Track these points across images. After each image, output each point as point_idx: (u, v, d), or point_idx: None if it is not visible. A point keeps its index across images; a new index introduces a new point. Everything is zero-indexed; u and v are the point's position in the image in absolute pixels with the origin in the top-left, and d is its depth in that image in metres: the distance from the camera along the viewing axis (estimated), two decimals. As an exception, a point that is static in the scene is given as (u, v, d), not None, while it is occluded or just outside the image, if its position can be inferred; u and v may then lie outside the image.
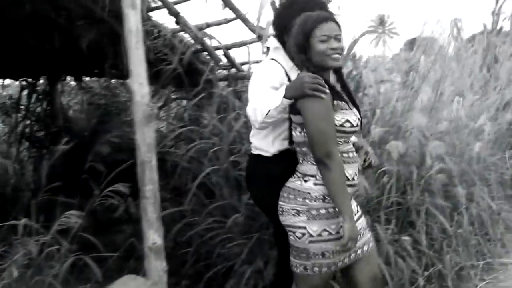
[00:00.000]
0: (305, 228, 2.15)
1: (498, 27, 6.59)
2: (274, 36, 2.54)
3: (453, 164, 3.72)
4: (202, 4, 3.86)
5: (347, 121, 2.14)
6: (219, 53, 4.37)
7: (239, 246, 3.24)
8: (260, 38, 3.81)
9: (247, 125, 3.53)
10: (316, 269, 2.17)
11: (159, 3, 4.02)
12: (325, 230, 2.14)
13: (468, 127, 4.16)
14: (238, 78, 4.23)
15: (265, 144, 2.44)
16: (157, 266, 2.52)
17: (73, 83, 7.99)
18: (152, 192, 2.46)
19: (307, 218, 2.15)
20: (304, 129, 2.13)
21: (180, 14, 4.00)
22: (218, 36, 4.25)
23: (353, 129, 2.17)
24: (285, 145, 2.40)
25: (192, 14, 4.24)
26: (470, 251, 3.58)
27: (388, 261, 3.06)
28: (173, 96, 5.17)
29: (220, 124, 3.72)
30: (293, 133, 2.24)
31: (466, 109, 4.38)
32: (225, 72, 4.45)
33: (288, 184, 2.25)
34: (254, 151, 2.52)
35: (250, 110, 2.28)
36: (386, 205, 3.30)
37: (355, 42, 3.66)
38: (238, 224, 3.27)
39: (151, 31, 3.97)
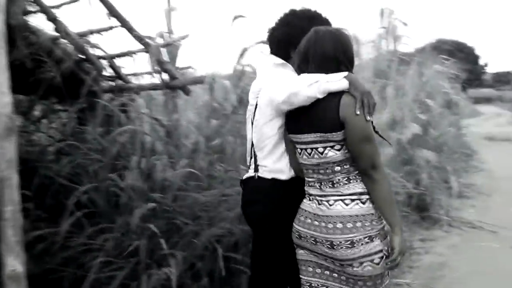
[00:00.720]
0: (381, 251, 2.02)
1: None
2: (271, 50, 2.43)
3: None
4: (87, 10, 3.65)
5: None
6: (105, 63, 4.15)
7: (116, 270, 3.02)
8: (146, 46, 3.66)
9: (133, 140, 3.35)
10: None
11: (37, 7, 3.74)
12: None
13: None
14: (125, 89, 4.03)
15: (281, 166, 2.30)
16: (17, 296, 2.26)
17: None
18: (12, 213, 2.20)
19: (381, 241, 2.03)
20: (345, 145, 2.02)
21: (58, 19, 3.72)
22: (104, 45, 4.05)
23: None
24: None
25: (77, 21, 4.00)
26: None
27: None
28: (55, 108, 4.84)
29: (103, 138, 3.52)
30: (330, 153, 2.03)
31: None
32: (112, 83, 4.23)
33: (344, 212, 2.03)
34: (268, 175, 2.31)
35: (278, 92, 2.10)
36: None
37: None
38: (118, 246, 3.06)
39: (27, 36, 3.67)
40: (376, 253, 2.01)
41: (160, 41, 3.96)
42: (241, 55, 3.75)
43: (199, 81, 4.06)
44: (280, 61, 2.35)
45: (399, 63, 6.93)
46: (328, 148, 2.04)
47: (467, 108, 13.00)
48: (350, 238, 2.01)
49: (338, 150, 2.03)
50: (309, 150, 2.10)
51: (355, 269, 2.02)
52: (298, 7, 2.39)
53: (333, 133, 2.01)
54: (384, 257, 2.02)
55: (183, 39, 4.12)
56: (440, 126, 7.27)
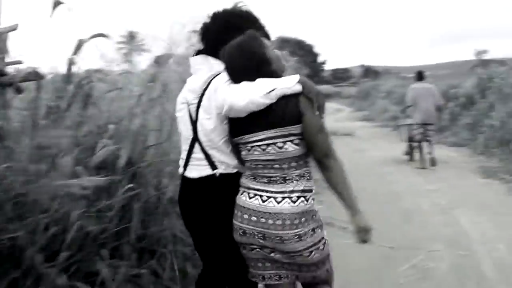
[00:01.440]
0: (323, 237, 2.36)
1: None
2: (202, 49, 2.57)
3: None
4: None
5: None
6: None
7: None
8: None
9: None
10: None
11: None
12: None
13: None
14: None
15: (230, 160, 2.45)
16: None
17: None
18: None
19: (321, 230, 2.34)
20: (299, 141, 2.24)
21: None
22: None
23: None
24: None
25: None
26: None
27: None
28: None
29: None
30: (290, 147, 2.24)
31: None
32: None
33: (292, 210, 2.25)
34: (230, 171, 2.45)
35: (238, 96, 2.25)
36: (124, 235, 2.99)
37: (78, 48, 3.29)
38: None
39: None
40: (320, 241, 2.32)
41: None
42: (77, 48, 3.39)
43: (32, 77, 3.60)
44: (219, 62, 2.45)
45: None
46: (288, 143, 2.23)
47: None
48: (298, 233, 2.25)
49: (297, 144, 2.24)
50: (263, 147, 2.26)
51: (306, 258, 2.30)
52: (228, 7, 2.57)
53: (294, 126, 2.22)
54: (326, 241, 2.37)
55: (12, 30, 3.63)
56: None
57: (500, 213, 6.23)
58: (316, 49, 64.46)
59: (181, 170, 2.57)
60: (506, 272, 4.23)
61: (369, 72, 58.13)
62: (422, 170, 9.54)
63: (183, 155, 2.56)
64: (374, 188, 7.89)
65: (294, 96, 2.23)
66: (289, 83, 2.24)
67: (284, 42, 30.43)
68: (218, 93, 2.38)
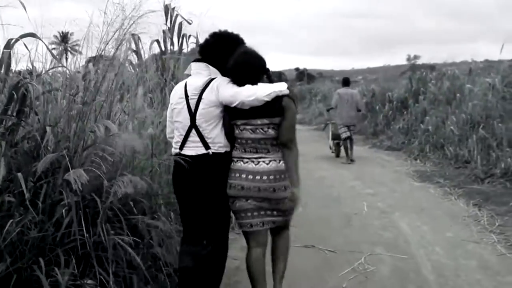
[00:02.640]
0: (288, 186, 3.36)
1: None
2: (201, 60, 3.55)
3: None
4: None
5: None
6: None
7: None
8: None
9: None
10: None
11: None
12: None
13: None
14: None
15: (227, 142, 3.43)
16: None
17: None
18: None
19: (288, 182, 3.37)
20: (277, 128, 3.33)
21: None
22: None
23: None
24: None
25: None
26: (160, 285, 3.48)
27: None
28: None
29: None
30: (271, 132, 3.33)
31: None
32: None
33: (276, 168, 3.33)
34: (222, 150, 3.41)
35: (245, 94, 3.27)
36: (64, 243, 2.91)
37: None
38: None
39: None
40: (286, 190, 3.36)
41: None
42: (6, 48, 3.30)
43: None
44: (215, 69, 3.49)
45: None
46: (270, 129, 3.33)
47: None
48: (284, 184, 3.34)
49: (275, 130, 3.34)
50: (253, 129, 3.34)
51: (285, 204, 3.38)
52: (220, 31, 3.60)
53: (277, 118, 3.32)
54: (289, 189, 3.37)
55: None
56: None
57: (436, 216, 6.53)
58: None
59: (176, 150, 3.48)
60: (445, 275, 4.43)
61: (304, 75, 58.97)
62: (361, 175, 9.84)
63: (179, 138, 3.47)
64: (314, 192, 8.07)
65: (282, 96, 3.30)
66: (281, 88, 3.33)
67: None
68: (222, 91, 3.34)
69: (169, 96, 4.92)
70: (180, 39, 7.15)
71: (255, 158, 3.34)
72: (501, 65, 11.97)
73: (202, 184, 3.37)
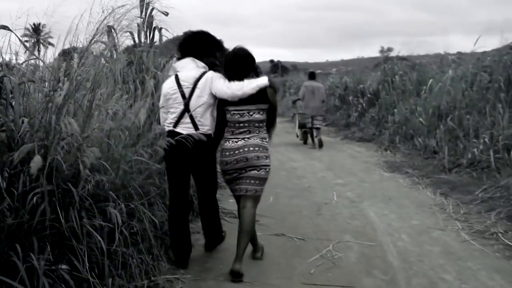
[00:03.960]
0: (268, 156, 4.39)
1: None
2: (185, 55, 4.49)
3: (109, 177, 3.68)
4: None
5: None
6: None
7: None
8: None
9: None
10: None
11: None
12: None
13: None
14: None
15: (213, 126, 4.38)
16: None
17: None
18: None
19: (269, 160, 4.40)
20: (265, 112, 4.34)
21: None
22: None
23: None
24: None
25: None
26: (133, 271, 3.58)
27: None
28: None
29: None
30: (256, 116, 4.30)
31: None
32: None
33: (262, 144, 4.33)
34: (208, 132, 4.31)
35: (235, 88, 4.18)
36: (39, 230, 3.01)
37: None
38: None
39: None
40: (266, 165, 4.37)
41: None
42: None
43: None
44: (202, 63, 4.42)
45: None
46: (256, 113, 4.30)
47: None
48: (265, 155, 4.34)
49: (261, 114, 4.32)
50: (241, 113, 4.28)
51: (264, 172, 4.36)
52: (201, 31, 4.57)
53: (262, 104, 4.30)
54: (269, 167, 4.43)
55: None
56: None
57: (403, 205, 6.77)
58: (225, 44, 64.42)
59: (170, 128, 4.29)
60: (409, 261, 4.63)
61: (277, 68, 59.04)
62: (332, 166, 10.09)
63: (173, 120, 4.29)
64: (285, 183, 8.27)
65: (265, 87, 4.24)
66: (264, 81, 4.23)
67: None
68: (215, 84, 4.23)
69: (141, 88, 5.15)
70: (152, 32, 7.19)
71: (243, 136, 4.29)
72: (472, 57, 12.22)
73: (190, 156, 4.26)
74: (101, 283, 3.22)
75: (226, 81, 4.24)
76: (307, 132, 13.57)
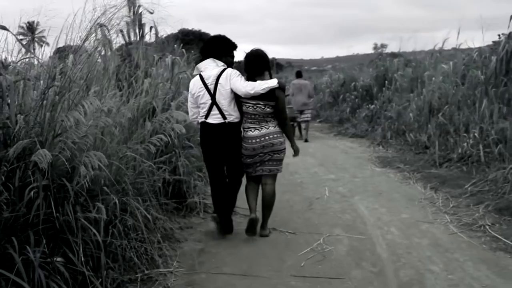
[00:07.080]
0: (285, 148, 5.25)
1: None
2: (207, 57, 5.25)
3: (105, 172, 3.77)
4: None
5: None
6: None
7: None
8: None
9: None
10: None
11: None
12: None
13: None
14: None
15: (238, 115, 5.16)
16: None
17: None
18: None
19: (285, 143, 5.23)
20: (272, 107, 5.08)
21: None
22: None
23: None
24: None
25: None
26: (127, 265, 3.67)
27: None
28: None
29: None
30: (266, 109, 5.08)
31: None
32: None
33: (273, 130, 5.14)
34: (234, 120, 5.13)
35: (248, 88, 4.96)
36: (35, 224, 3.11)
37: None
38: None
39: None
40: (285, 148, 5.25)
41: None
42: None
43: None
44: (221, 62, 5.19)
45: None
46: (267, 107, 5.07)
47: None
48: (279, 140, 5.17)
49: (270, 109, 5.09)
50: (255, 107, 5.06)
51: (280, 155, 5.24)
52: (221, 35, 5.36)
53: (271, 102, 5.06)
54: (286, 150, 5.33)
55: None
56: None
57: (393, 199, 6.89)
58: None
59: (202, 119, 5.12)
60: (398, 253, 4.75)
61: (272, 64, 59.11)
62: (324, 161, 10.20)
63: (204, 113, 5.10)
64: (278, 178, 8.34)
65: (274, 88, 5.00)
66: (273, 83, 4.99)
67: (185, 35, 30.41)
68: (232, 81, 5.00)
69: (135, 85, 5.50)
70: (140, 30, 7.26)
71: (258, 126, 5.12)
72: (464, 53, 12.28)
73: (222, 142, 5.11)
74: (96, 275, 3.32)
75: (243, 79, 5.05)
76: (294, 126, 14.17)
